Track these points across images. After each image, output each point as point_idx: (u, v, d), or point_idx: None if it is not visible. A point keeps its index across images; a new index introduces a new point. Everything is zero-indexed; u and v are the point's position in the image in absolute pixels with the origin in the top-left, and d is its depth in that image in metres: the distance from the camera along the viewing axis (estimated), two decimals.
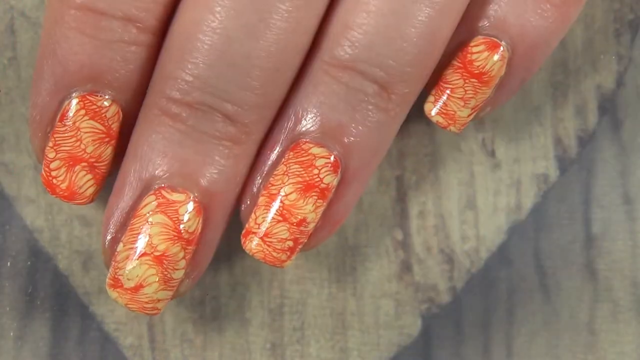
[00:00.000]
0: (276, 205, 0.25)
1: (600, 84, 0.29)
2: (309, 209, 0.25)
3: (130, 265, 0.25)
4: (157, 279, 0.25)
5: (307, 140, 0.25)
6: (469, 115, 0.26)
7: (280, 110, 0.25)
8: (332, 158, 0.25)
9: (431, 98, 0.26)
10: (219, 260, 0.28)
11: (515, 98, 0.29)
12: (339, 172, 0.25)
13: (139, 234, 0.25)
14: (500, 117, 0.29)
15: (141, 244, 0.24)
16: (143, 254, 0.24)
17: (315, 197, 0.25)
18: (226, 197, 0.25)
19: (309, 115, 0.25)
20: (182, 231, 0.25)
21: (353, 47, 0.24)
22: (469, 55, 0.26)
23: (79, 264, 0.28)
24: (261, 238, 0.25)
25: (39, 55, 0.25)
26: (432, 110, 0.26)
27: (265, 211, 0.25)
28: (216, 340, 0.29)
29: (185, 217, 0.25)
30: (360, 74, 0.24)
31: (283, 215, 0.25)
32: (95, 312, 0.28)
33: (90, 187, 0.25)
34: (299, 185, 0.25)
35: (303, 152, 0.25)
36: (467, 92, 0.26)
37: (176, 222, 0.24)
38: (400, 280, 0.29)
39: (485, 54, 0.25)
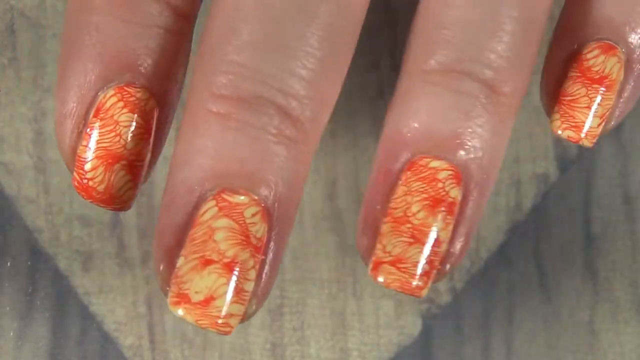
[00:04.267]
0: (404, 227, 0.22)
1: None
2: (440, 226, 0.22)
3: (197, 277, 0.21)
4: (228, 289, 0.21)
5: (424, 155, 0.23)
6: (598, 125, 0.24)
7: (383, 134, 0.23)
8: (453, 169, 0.23)
9: (556, 115, 0.24)
10: None
11: None
12: (462, 184, 0.23)
13: (203, 241, 0.21)
14: None
15: (207, 251, 0.21)
16: (210, 262, 0.21)
17: (445, 213, 0.23)
18: (290, 202, 0.22)
19: (420, 131, 0.23)
20: (250, 235, 0.21)
21: (452, 46, 0.22)
22: (584, 62, 0.24)
23: (79, 264, 0.28)
24: (394, 265, 0.22)
25: (63, 48, 0.23)
26: (561, 125, 0.24)
27: (394, 236, 0.23)
28: (216, 340, 0.29)
29: (252, 220, 0.21)
30: (466, 74, 0.23)
31: (414, 236, 0.22)
32: (95, 312, 0.28)
33: (129, 189, 0.23)
34: (426, 202, 0.22)
35: (422, 168, 0.23)
36: (592, 99, 0.24)
37: (243, 225, 0.21)
38: None
39: (602, 57, 0.24)
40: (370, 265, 0.23)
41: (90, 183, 0.22)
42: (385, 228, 0.23)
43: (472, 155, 0.23)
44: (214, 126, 0.21)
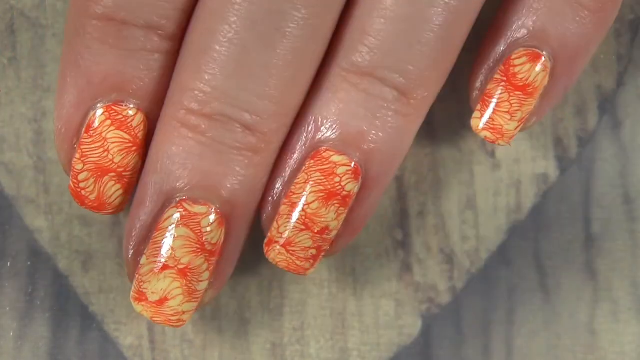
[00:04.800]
0: (298, 214, 0.25)
1: (600, 84, 0.29)
2: (331, 217, 0.25)
3: (154, 279, 0.25)
4: (181, 292, 0.25)
5: (328, 148, 0.25)
6: (516, 128, 0.26)
7: (298, 117, 0.25)
8: (352, 165, 0.25)
9: (477, 114, 0.26)
10: None
11: None
12: (360, 179, 0.25)
13: (162, 247, 0.25)
14: None
15: (164, 257, 0.25)
16: (167, 267, 0.25)
17: (337, 205, 0.25)
18: (248, 207, 0.25)
19: (329, 123, 0.25)
20: (205, 243, 0.25)
21: (371, 53, 0.24)
22: (511, 68, 0.25)
23: (79, 264, 0.28)
24: (284, 247, 0.25)
25: (60, 67, 0.25)
26: (479, 125, 0.26)
27: (287, 220, 0.25)
28: (216, 340, 0.29)
29: (208, 229, 0.24)
30: (380, 80, 0.24)
31: (305, 224, 0.25)
32: (95, 312, 0.28)
33: (118, 196, 0.25)
34: (321, 194, 0.25)
35: (324, 160, 0.25)
36: (513, 105, 0.26)
37: (199, 234, 0.24)
38: (400, 280, 0.29)
39: (528, 65, 0.25)
40: (265, 241, 0.25)
41: (83, 192, 0.25)
42: (283, 209, 0.25)
43: (374, 153, 0.25)
44: (183, 138, 0.24)
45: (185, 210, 0.24)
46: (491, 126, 0.26)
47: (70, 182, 0.25)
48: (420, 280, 0.29)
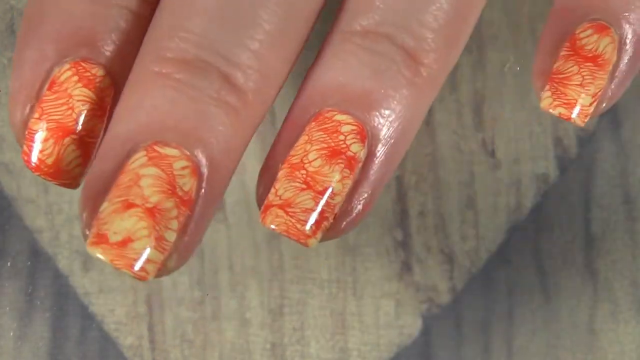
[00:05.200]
0: (299, 172, 0.22)
1: None
2: (336, 178, 0.22)
3: (117, 219, 0.21)
4: (147, 233, 0.21)
5: (331, 108, 0.23)
6: (590, 104, 0.24)
7: (300, 86, 0.23)
8: (358, 124, 0.22)
9: (547, 93, 0.24)
10: (219, 260, 0.28)
11: (515, 98, 0.29)
12: (366, 144, 0.23)
13: (128, 187, 0.21)
14: (499, 117, 0.29)
15: (131, 195, 0.21)
16: (132, 205, 0.21)
17: (342, 166, 0.22)
18: (223, 166, 0.22)
19: (331, 86, 0.23)
20: (176, 187, 0.21)
21: (377, 11, 0.22)
22: (578, 41, 0.24)
23: (79, 264, 0.28)
24: (283, 208, 0.22)
25: (23, 22, 0.23)
26: (552, 102, 0.24)
27: (286, 181, 0.22)
28: (216, 340, 0.29)
29: (180, 172, 0.21)
30: (386, 37, 0.22)
31: (307, 183, 0.22)
32: (95, 312, 0.28)
33: (78, 165, 0.23)
34: (324, 151, 0.22)
35: (326, 119, 0.22)
36: (585, 77, 0.24)
37: (170, 175, 0.21)
38: (400, 280, 0.29)
39: (595, 36, 0.24)
40: (261, 209, 0.22)
41: (40, 155, 0.22)
42: (280, 174, 0.22)
43: (380, 117, 0.23)
44: (154, 84, 0.22)
45: (155, 151, 0.21)
46: (565, 101, 0.24)
47: (25, 147, 0.23)
48: (420, 280, 0.29)
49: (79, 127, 0.23)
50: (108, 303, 0.28)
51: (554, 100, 0.24)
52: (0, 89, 0.28)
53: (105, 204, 0.21)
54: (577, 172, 0.29)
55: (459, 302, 0.29)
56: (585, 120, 0.24)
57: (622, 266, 0.29)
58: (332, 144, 0.22)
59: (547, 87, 0.24)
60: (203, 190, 0.22)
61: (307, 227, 0.22)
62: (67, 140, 0.22)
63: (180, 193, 0.21)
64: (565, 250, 0.29)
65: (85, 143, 0.23)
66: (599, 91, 0.24)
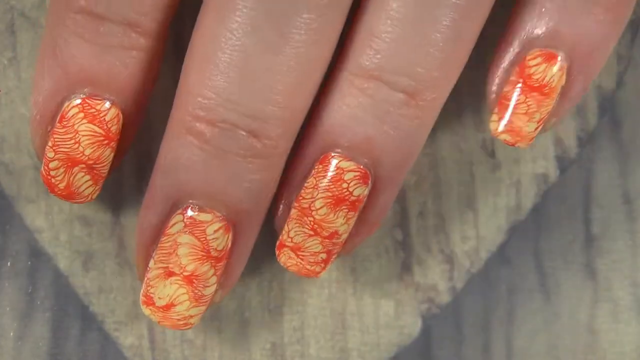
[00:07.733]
0: (307, 219, 0.25)
1: (600, 84, 0.29)
2: (340, 222, 0.25)
3: (161, 285, 0.25)
4: (187, 298, 0.25)
5: (335, 154, 0.25)
6: (535, 129, 0.26)
7: (308, 120, 0.25)
8: (360, 170, 0.25)
9: (495, 117, 0.26)
10: None
11: None
12: (369, 182, 0.25)
13: (168, 253, 0.25)
14: None
15: (170, 263, 0.25)
16: (172, 274, 0.25)
17: (346, 210, 0.25)
18: (255, 212, 0.25)
19: (337, 129, 0.25)
20: (210, 250, 0.25)
21: (378, 55, 0.24)
22: (526, 69, 0.25)
23: (79, 264, 0.28)
24: (294, 251, 0.26)
25: (39, 54, 0.25)
26: (498, 128, 0.26)
27: (296, 225, 0.25)
28: (216, 340, 0.29)
29: (213, 236, 0.25)
30: (386, 84, 0.24)
31: (314, 230, 0.25)
32: (95, 312, 0.28)
33: (88, 187, 0.25)
34: (329, 200, 0.25)
35: (331, 165, 0.25)
36: (530, 106, 0.25)
37: (204, 242, 0.25)
38: (400, 280, 0.29)
39: (543, 66, 0.25)
40: (277, 244, 0.26)
41: (53, 180, 0.25)
42: (293, 213, 0.25)
43: (382, 158, 0.25)
44: (189, 144, 0.24)
45: (190, 217, 0.25)
46: (510, 129, 0.26)
47: (42, 169, 0.25)
48: (420, 280, 0.29)
49: (86, 158, 0.25)
50: (108, 303, 0.28)
51: (500, 126, 0.26)
52: (0, 89, 0.28)
53: (152, 263, 0.25)
54: (577, 172, 0.29)
55: (459, 302, 0.29)
56: (530, 143, 0.26)
57: (622, 266, 0.29)
58: (337, 193, 0.25)
59: (496, 110, 0.26)
60: (238, 237, 0.25)
61: (316, 267, 0.26)
62: (76, 169, 0.25)
63: (214, 254, 0.25)
64: (565, 250, 0.29)
65: (94, 169, 0.25)
66: (545, 116, 0.26)
